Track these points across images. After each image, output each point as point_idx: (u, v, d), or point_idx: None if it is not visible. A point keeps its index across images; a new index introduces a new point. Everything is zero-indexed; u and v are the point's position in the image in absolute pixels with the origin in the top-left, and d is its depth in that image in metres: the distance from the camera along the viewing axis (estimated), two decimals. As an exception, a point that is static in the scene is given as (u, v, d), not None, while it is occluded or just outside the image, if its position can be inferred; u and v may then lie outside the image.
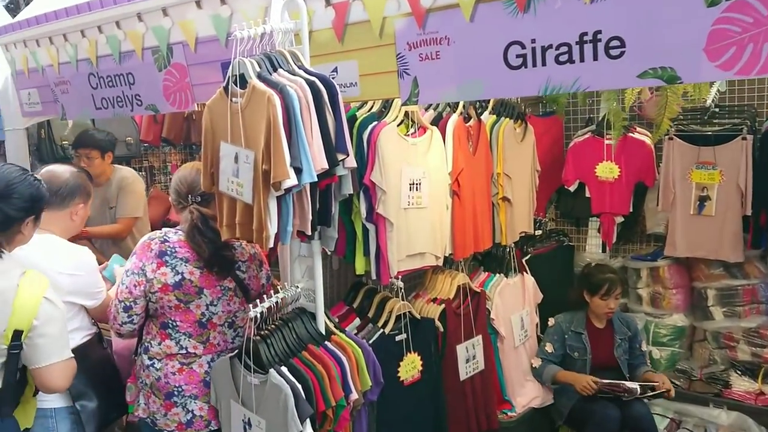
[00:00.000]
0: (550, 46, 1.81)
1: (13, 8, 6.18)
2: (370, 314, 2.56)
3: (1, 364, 1.91)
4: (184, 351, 2.25)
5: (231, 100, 1.99)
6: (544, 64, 1.83)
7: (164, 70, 2.74)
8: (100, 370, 2.35)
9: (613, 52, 1.72)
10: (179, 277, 2.21)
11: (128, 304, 2.19)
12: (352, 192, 2.10)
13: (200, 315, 2.26)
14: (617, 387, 3.08)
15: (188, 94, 2.71)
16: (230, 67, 2.00)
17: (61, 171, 2.43)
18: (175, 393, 2.24)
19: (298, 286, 2.24)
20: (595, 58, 1.75)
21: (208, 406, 2.26)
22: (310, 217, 1.97)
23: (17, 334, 1.87)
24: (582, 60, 1.77)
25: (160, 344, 2.26)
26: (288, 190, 1.86)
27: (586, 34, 1.75)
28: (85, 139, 3.68)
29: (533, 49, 1.84)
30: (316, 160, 1.88)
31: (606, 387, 3.08)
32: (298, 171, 1.84)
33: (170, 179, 4.64)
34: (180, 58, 2.66)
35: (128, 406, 2.43)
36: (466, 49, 1.96)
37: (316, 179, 1.88)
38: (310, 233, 2.00)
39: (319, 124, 1.92)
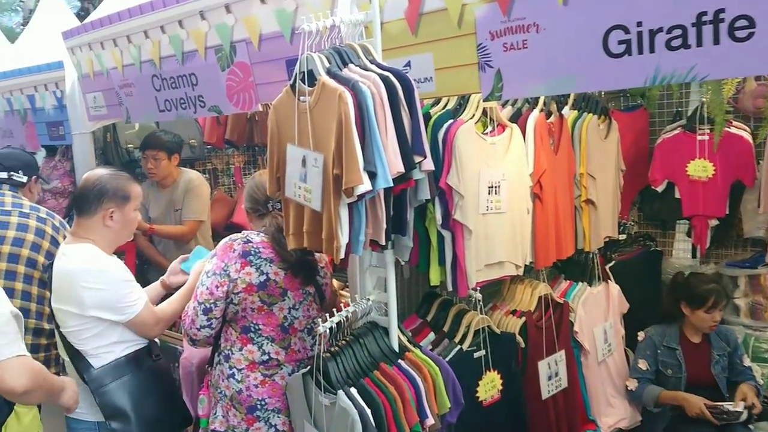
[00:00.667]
0: (660, 30, 1.58)
1: (83, 15, 6.28)
2: (446, 328, 2.36)
3: None
4: (266, 357, 2.14)
5: (298, 99, 1.84)
6: (652, 50, 1.60)
7: (227, 70, 2.63)
8: (151, 384, 2.22)
9: (739, 34, 1.47)
10: (264, 277, 2.11)
11: (208, 306, 2.08)
12: (429, 197, 1.92)
13: (282, 318, 2.16)
14: (725, 412, 2.77)
15: (252, 94, 2.59)
16: (297, 64, 1.85)
17: (95, 174, 2.28)
18: (258, 407, 2.13)
19: (369, 299, 2.07)
20: (716, 41, 1.51)
21: (291, 420, 2.14)
22: (384, 226, 1.80)
23: None
24: (699, 44, 1.53)
25: (241, 350, 2.15)
26: (361, 197, 1.69)
27: (705, 13, 1.51)
28: (152, 140, 3.65)
29: (639, 34, 1.61)
30: (392, 163, 1.71)
31: (713, 410, 2.78)
32: (372, 175, 1.67)
33: (233, 181, 4.58)
34: (243, 57, 2.55)
35: (200, 420, 2.33)
36: (558, 37, 1.74)
37: (391, 184, 1.70)
38: (383, 243, 1.83)
39: (395, 123, 1.74)
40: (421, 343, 2.26)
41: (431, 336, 2.35)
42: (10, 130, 4.24)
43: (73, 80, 3.56)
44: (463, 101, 2.35)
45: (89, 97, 3.48)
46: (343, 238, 1.74)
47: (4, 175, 2.86)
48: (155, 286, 2.53)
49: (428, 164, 1.83)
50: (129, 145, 3.76)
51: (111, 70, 3.20)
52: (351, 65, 1.83)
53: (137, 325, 2.18)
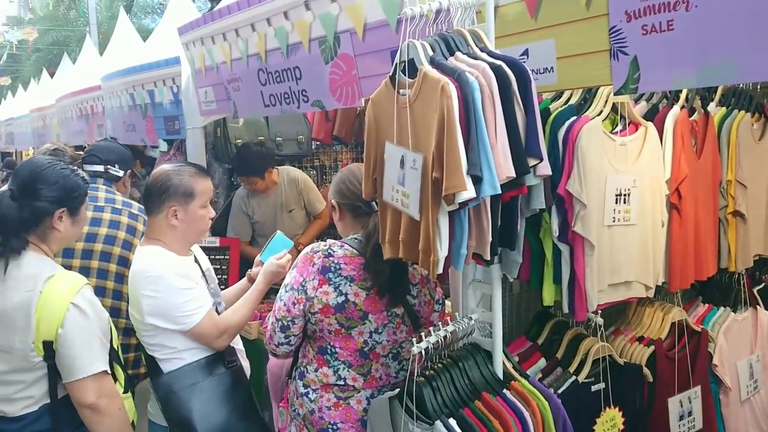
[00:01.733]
0: None
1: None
2: (559, 355, 2.08)
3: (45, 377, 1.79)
4: (342, 383, 1.97)
5: (398, 92, 1.65)
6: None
7: (330, 63, 2.50)
8: (222, 393, 2.08)
9: None
10: (342, 298, 1.92)
11: (286, 323, 1.94)
12: (543, 206, 1.66)
13: (362, 343, 1.96)
14: None
15: (355, 88, 2.44)
16: (398, 53, 1.66)
17: (160, 170, 2.17)
18: (330, 431, 1.96)
19: (471, 318, 1.84)
20: None
21: None
22: (490, 238, 1.56)
23: (48, 345, 1.71)
24: None
25: (316, 371, 1.99)
26: (463, 205, 1.46)
27: None
28: (241, 167, 3.66)
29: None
30: (501, 167, 1.47)
31: None
32: (477, 180, 1.44)
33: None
34: (347, 48, 2.40)
35: (278, 432, 2.21)
36: (714, 14, 1.42)
37: (499, 191, 1.46)
38: (488, 258, 1.59)
39: (506, 120, 1.50)
40: (530, 370, 2.01)
41: (542, 362, 2.07)
42: (133, 125, 4.41)
43: (188, 75, 3.60)
44: (588, 95, 2.06)
45: (201, 92, 3.50)
46: (442, 251, 1.53)
47: (100, 168, 2.84)
48: (243, 282, 2.44)
49: (544, 168, 1.57)
50: (238, 141, 3.75)
51: (220, 65, 3.18)
52: (458, 54, 1.61)
53: (197, 335, 2.05)
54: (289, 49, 2.67)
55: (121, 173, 2.91)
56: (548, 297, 1.96)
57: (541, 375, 2.03)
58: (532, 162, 1.54)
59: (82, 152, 3.37)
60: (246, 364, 2.25)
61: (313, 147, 4.22)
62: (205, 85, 3.41)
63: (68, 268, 2.23)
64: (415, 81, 1.58)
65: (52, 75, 10.08)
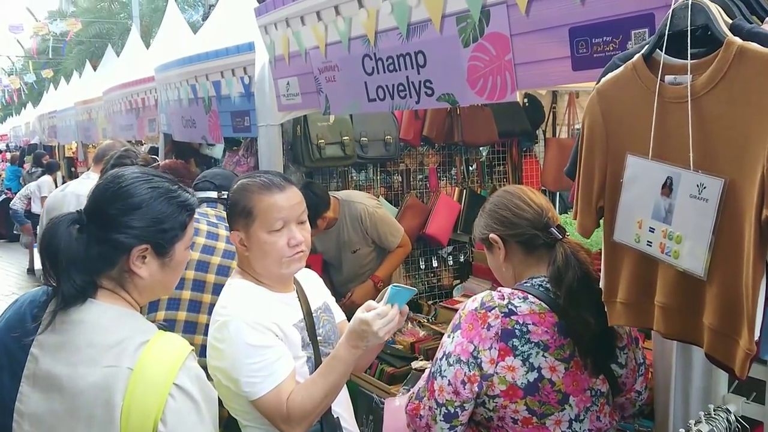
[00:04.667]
0: None
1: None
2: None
3: None
4: None
5: (661, 80, 1.08)
6: None
7: (472, 45, 1.94)
8: None
9: None
10: (535, 375, 1.35)
11: (452, 410, 1.37)
12: None
13: None
14: None
15: (508, 78, 1.88)
16: (664, 20, 1.09)
17: (236, 182, 1.72)
18: None
19: (727, 410, 1.26)
20: None
21: None
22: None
23: None
24: None
25: None
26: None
27: None
28: None
29: None
30: None
31: None
32: None
33: (426, 185, 3.91)
34: (500, 26, 1.83)
35: None
36: None
37: None
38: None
39: None
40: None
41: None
42: (193, 120, 3.91)
43: (264, 64, 3.07)
44: None
45: (281, 84, 2.96)
46: (758, 331, 0.96)
47: (213, 194, 2.45)
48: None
49: None
50: (321, 141, 3.21)
51: (311, 51, 2.64)
52: (770, 19, 1.04)
53: (260, 410, 1.53)
54: (411, 28, 2.12)
55: None
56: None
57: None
58: None
59: (156, 156, 2.90)
60: None
61: (399, 149, 3.65)
62: (288, 75, 2.88)
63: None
64: (703, 62, 1.01)
65: (95, 68, 9.78)
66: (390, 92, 2.33)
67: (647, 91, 1.09)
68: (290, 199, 1.62)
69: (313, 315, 1.74)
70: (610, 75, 1.19)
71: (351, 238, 3.11)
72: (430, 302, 3.46)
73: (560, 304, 1.36)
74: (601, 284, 1.27)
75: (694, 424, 1.21)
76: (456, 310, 3.00)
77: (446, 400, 1.36)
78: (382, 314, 1.47)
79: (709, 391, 1.42)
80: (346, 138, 3.28)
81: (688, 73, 1.02)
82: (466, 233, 3.88)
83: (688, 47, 1.02)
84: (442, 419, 1.37)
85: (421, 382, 1.48)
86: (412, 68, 2.19)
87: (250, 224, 1.60)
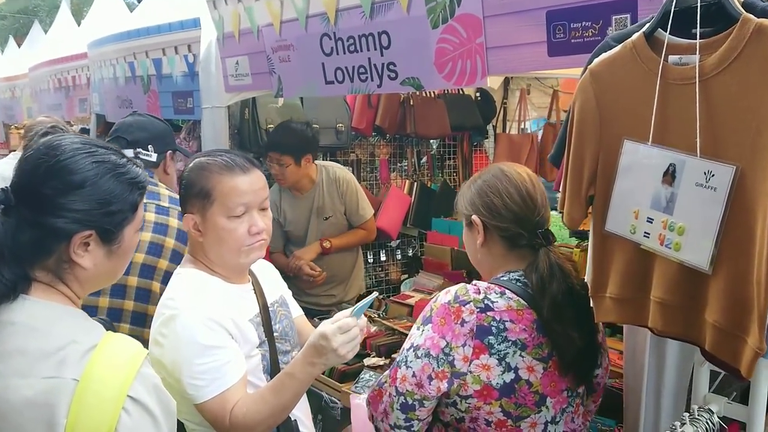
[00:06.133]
0: None
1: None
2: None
3: None
4: None
5: (664, 60, 1.00)
6: None
7: (442, 27, 1.85)
8: None
9: None
10: (512, 375, 1.26)
11: (411, 401, 1.27)
12: None
13: None
14: None
15: (478, 62, 1.79)
16: (669, -5, 1.02)
17: (192, 160, 1.56)
18: None
19: (710, 411, 1.21)
20: None
21: None
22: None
23: None
24: None
25: None
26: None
27: None
28: (275, 140, 2.84)
29: None
30: None
31: None
32: None
33: (377, 176, 3.80)
34: (472, 7, 1.75)
35: None
36: None
37: None
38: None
39: None
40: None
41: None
42: (130, 100, 3.66)
43: (210, 41, 2.88)
44: None
45: (229, 63, 2.79)
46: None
47: (129, 153, 2.13)
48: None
49: None
50: (270, 125, 3.05)
51: (264, 28, 2.48)
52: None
53: (202, 415, 1.41)
54: (375, 7, 2.01)
55: (154, 157, 2.16)
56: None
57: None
58: None
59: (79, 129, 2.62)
60: None
61: (350, 138, 3.52)
62: (238, 54, 2.71)
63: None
64: (712, 41, 0.94)
65: (19, 45, 9.18)
66: (350, 74, 2.21)
67: (648, 72, 1.02)
68: (254, 183, 1.48)
69: (270, 309, 1.60)
70: (604, 55, 1.11)
71: (325, 203, 2.93)
72: (380, 297, 3.36)
73: (538, 300, 1.28)
74: (587, 278, 1.20)
75: (680, 426, 1.15)
76: (408, 305, 2.95)
77: (407, 390, 1.26)
78: (344, 328, 1.35)
79: (682, 392, 1.38)
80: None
81: (697, 52, 0.95)
82: (416, 227, 3.80)
83: (698, 23, 0.95)
84: (399, 408, 1.28)
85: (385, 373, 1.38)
86: (375, 49, 2.07)
87: (207, 207, 1.45)
